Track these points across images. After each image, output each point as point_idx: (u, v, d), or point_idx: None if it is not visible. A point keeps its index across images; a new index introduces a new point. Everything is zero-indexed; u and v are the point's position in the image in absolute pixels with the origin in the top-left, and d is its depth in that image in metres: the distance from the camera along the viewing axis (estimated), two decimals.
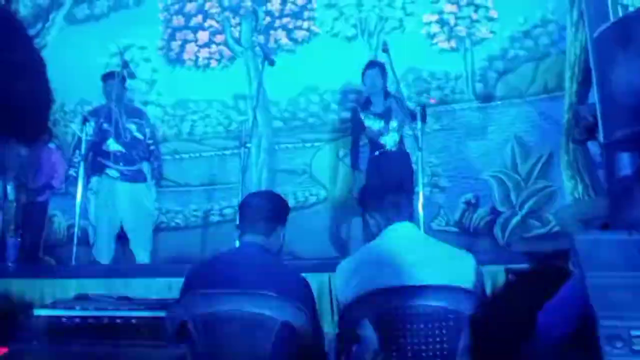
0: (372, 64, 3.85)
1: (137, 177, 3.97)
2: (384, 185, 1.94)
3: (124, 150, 3.90)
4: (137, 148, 3.96)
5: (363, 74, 3.83)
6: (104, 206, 3.89)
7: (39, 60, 0.54)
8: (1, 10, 0.53)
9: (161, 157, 4.24)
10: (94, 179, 3.92)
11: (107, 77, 4.02)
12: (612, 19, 2.85)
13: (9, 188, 4.22)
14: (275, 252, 1.89)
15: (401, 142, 3.83)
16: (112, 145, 3.88)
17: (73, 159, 3.97)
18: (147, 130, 4.07)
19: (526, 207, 4.21)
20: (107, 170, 3.89)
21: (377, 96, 3.82)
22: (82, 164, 3.91)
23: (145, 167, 4.04)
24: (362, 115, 3.83)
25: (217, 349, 1.62)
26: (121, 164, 3.90)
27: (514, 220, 4.21)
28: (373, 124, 3.78)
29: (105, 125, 3.88)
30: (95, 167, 3.92)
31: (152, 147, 4.09)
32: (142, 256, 3.96)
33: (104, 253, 3.86)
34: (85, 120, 3.85)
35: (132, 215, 3.95)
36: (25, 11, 5.24)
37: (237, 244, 2.08)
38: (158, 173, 4.11)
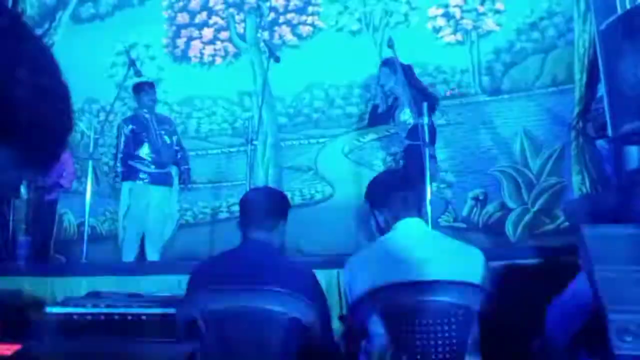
0: (386, 63, 3.86)
1: (166, 180, 4.15)
2: (391, 180, 1.91)
3: (155, 156, 4.08)
4: (167, 153, 4.15)
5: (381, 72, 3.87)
6: (135, 209, 4.04)
7: (64, 85, 0.54)
8: (28, 31, 0.53)
9: (188, 162, 4.37)
10: (128, 183, 4.07)
11: (141, 86, 4.19)
12: (619, 11, 2.82)
13: (22, 187, 4.28)
14: (277, 247, 1.90)
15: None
16: (145, 151, 4.06)
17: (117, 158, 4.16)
18: (174, 137, 4.27)
19: (538, 204, 4.18)
20: (140, 174, 4.05)
21: (400, 92, 3.83)
22: (90, 162, 3.96)
23: (173, 170, 4.22)
24: (397, 110, 3.85)
25: (226, 345, 1.64)
26: (152, 167, 4.08)
27: (526, 218, 4.18)
28: (408, 117, 3.77)
29: (139, 132, 4.07)
30: (129, 171, 4.07)
31: (179, 153, 4.28)
32: (152, 257, 4.04)
33: (130, 254, 4.00)
34: (119, 129, 4.12)
35: (154, 217, 4.08)
36: (32, 11, 5.26)
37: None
38: (187, 176, 4.28)
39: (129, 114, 5.02)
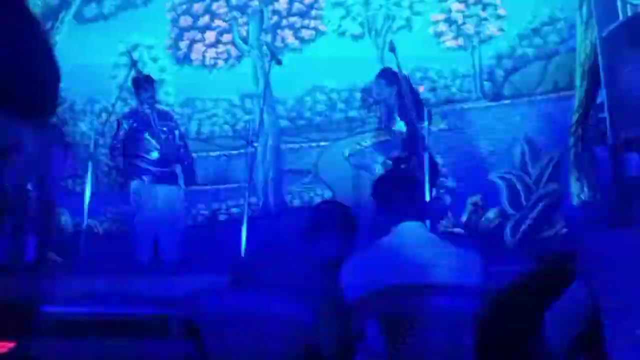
0: (383, 75, 3.89)
1: (171, 179, 4.03)
2: (395, 181, 1.90)
3: (158, 154, 3.97)
4: (170, 151, 4.03)
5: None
6: (144, 209, 3.92)
7: (46, 40, 0.55)
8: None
9: (192, 156, 4.28)
10: (134, 182, 3.95)
11: (139, 81, 4.08)
12: (621, 18, 2.83)
13: (28, 186, 4.25)
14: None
15: None
16: (147, 149, 3.95)
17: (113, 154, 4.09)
18: (177, 132, 4.18)
19: (536, 210, 4.17)
20: (143, 173, 3.93)
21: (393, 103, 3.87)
22: (89, 162, 3.96)
23: (178, 169, 4.09)
24: (390, 122, 3.88)
25: (224, 346, 1.63)
26: (156, 166, 3.97)
27: (525, 224, 4.17)
28: (402, 127, 3.76)
29: (139, 128, 3.96)
30: (132, 170, 3.97)
31: (182, 149, 4.16)
32: (168, 259, 3.91)
33: (144, 254, 3.88)
34: (119, 124, 3.98)
35: (162, 218, 3.95)
36: (35, 10, 5.27)
37: None
38: (190, 171, 4.17)
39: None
